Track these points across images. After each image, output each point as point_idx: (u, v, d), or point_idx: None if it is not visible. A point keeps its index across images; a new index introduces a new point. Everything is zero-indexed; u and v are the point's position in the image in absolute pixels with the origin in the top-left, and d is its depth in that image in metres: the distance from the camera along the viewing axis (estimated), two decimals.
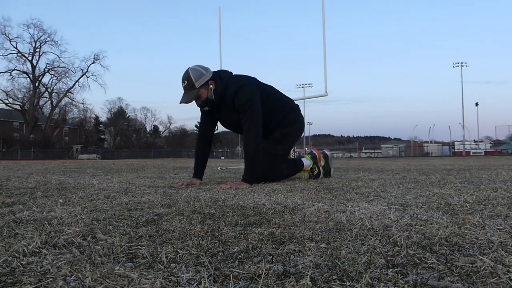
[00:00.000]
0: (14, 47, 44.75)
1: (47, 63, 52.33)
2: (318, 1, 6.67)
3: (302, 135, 3.31)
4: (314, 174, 3.18)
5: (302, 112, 3.10)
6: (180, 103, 2.54)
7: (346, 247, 0.89)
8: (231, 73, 2.78)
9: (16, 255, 0.84)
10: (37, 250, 0.87)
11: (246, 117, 2.61)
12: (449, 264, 0.75)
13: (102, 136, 63.85)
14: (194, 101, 2.62)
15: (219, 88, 2.60)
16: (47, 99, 50.36)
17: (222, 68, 2.87)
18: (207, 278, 0.68)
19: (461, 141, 46.61)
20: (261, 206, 1.54)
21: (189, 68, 2.61)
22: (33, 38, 45.80)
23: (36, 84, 46.80)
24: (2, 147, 44.34)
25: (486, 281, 0.66)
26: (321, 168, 3.21)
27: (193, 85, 2.52)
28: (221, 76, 2.66)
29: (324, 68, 6.56)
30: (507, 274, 0.69)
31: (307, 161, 3.14)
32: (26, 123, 47.29)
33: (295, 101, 3.07)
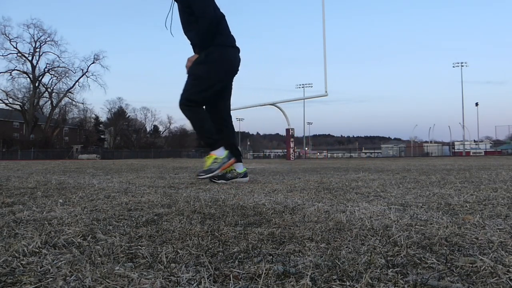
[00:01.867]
0: (14, 47, 44.84)
1: (47, 63, 52.53)
2: (318, 1, 6.68)
3: (231, 77, 2.99)
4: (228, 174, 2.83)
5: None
6: None
7: (346, 247, 0.89)
8: None
9: (16, 255, 0.84)
10: (37, 250, 0.87)
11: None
12: (449, 264, 0.75)
13: (102, 136, 63.82)
14: None
15: None
16: (47, 99, 50.46)
17: None
18: (207, 278, 0.68)
19: (461, 141, 46.61)
20: (261, 206, 1.54)
21: None
22: (33, 38, 45.91)
23: (36, 84, 46.82)
24: (2, 147, 44.36)
25: (486, 281, 0.66)
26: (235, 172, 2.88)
27: None
28: None
29: (324, 68, 6.55)
30: (507, 274, 0.69)
31: (222, 152, 2.81)
32: (26, 123, 47.31)
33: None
